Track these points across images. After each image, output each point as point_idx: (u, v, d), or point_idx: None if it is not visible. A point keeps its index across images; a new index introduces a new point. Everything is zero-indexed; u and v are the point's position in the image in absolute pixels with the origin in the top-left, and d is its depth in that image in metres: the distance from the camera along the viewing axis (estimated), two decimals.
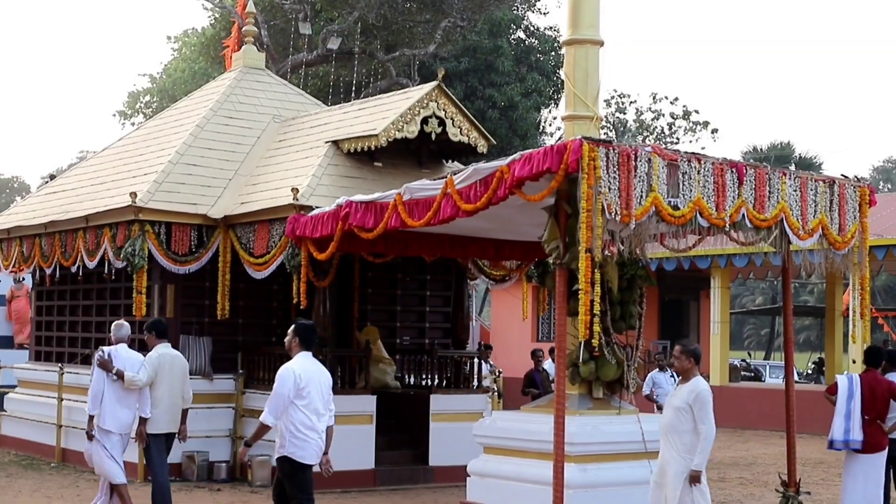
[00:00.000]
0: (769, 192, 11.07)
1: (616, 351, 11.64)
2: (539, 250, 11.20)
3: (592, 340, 10.17)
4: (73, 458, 16.20)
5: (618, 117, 50.67)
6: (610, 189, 9.95)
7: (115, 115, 41.09)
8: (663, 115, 50.03)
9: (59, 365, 16.91)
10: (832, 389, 11.92)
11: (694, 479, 9.42)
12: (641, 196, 10.13)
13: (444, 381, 16.00)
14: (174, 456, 14.87)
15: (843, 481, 11.71)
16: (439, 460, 15.04)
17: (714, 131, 50.61)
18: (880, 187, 76.15)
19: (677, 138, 49.55)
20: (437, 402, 15.34)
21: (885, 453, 11.58)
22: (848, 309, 22.63)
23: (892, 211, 25.79)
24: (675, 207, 10.39)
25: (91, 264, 15.91)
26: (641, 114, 50.33)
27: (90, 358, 16.69)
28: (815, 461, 18.61)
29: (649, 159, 10.21)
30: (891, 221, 24.55)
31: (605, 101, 50.50)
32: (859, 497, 11.48)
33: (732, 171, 10.83)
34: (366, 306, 16.67)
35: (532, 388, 16.84)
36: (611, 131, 49.58)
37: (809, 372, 37.15)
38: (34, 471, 15.67)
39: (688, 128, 50.06)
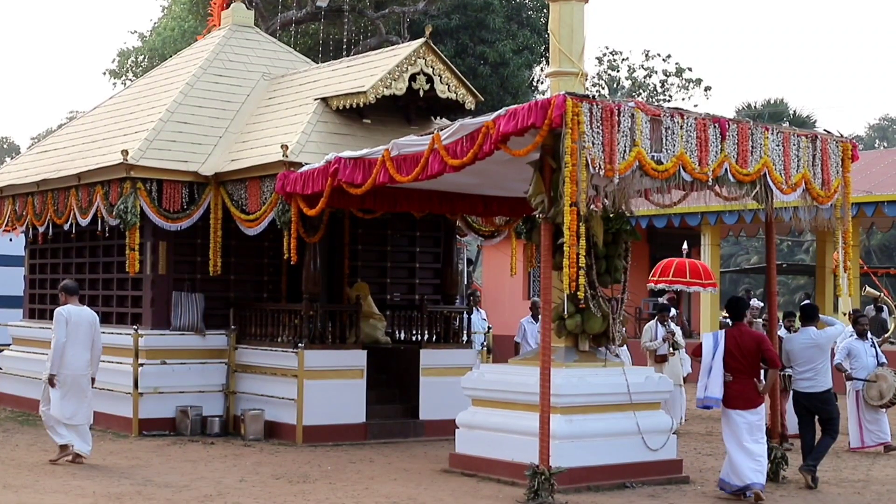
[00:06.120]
0: (752, 146, 11.21)
1: (602, 304, 11.80)
2: (527, 206, 11.33)
3: (578, 293, 10.36)
4: None
5: (610, 75, 50.54)
6: (593, 144, 10.09)
7: (105, 75, 40.79)
8: (656, 73, 49.92)
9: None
10: (697, 351, 11.29)
11: (49, 380, 12.32)
12: (625, 151, 10.28)
13: (434, 336, 16.16)
14: (167, 411, 15.20)
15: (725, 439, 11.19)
16: (429, 414, 15.21)
17: (707, 89, 50.50)
18: (876, 144, 76.07)
19: (670, 96, 49.45)
20: (427, 356, 15.50)
21: (760, 410, 11.03)
22: (838, 266, 22.77)
23: (885, 167, 25.92)
24: (659, 162, 10.54)
25: (84, 222, 16.03)
26: (634, 71, 50.21)
27: None
28: None
29: (632, 114, 10.34)
30: (880, 178, 24.69)
31: (597, 58, 50.37)
32: (744, 454, 10.95)
33: (715, 126, 10.97)
34: (356, 262, 16.81)
35: None
36: (603, 89, 49.50)
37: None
38: (30, 426, 15.84)
39: (681, 85, 49.94)
